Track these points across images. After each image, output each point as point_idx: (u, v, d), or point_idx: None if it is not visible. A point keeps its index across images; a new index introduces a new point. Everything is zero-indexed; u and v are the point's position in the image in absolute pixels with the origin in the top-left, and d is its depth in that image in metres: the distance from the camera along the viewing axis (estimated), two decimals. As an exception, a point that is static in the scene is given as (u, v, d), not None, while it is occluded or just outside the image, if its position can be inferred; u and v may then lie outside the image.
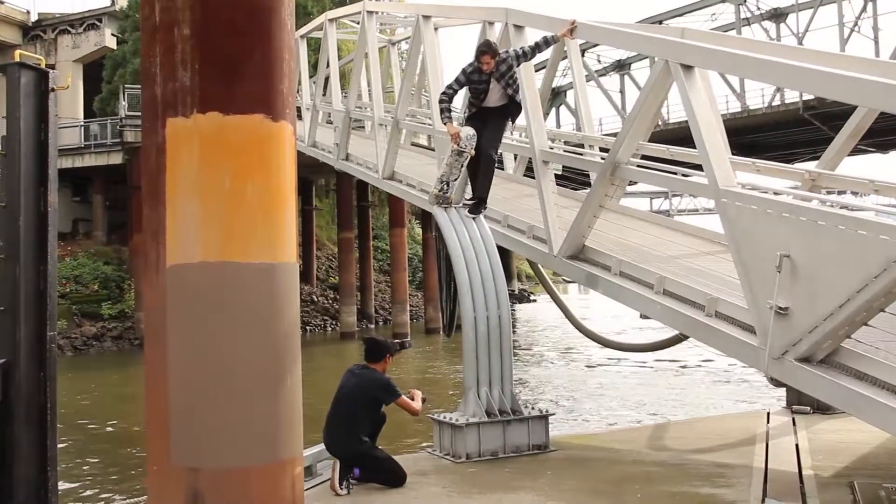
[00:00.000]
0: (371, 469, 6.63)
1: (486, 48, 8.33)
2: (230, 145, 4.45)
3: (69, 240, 35.45)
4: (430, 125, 13.43)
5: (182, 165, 4.47)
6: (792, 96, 36.43)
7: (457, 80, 8.56)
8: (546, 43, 8.77)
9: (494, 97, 8.61)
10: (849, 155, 8.29)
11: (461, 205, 8.68)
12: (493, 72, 8.39)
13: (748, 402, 15.84)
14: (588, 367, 22.81)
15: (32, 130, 6.09)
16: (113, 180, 35.29)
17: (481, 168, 8.60)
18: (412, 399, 6.88)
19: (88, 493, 11.53)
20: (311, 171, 34.45)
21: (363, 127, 19.52)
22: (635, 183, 10.15)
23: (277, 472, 4.56)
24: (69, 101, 38.06)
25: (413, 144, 19.66)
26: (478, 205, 8.57)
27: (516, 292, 60.34)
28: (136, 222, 29.40)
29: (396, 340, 7.71)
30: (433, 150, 14.51)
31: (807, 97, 34.53)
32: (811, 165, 8.47)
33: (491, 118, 8.66)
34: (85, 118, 38.19)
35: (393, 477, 6.63)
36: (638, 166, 7.96)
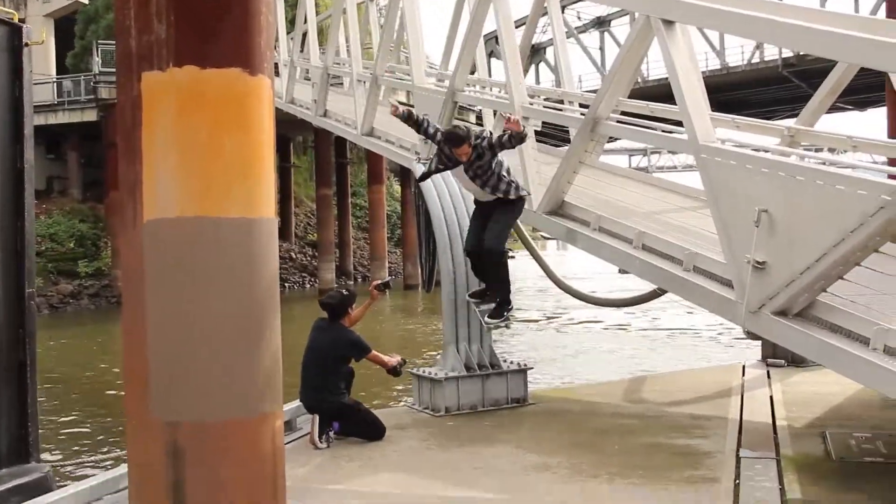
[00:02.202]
0: (350, 422, 6.67)
1: (459, 138, 6.67)
2: (207, 99, 4.39)
3: (44, 198, 35.04)
4: (408, 81, 13.32)
5: (158, 120, 4.40)
6: (771, 53, 36.44)
7: (431, 133, 7.03)
8: (510, 141, 6.73)
9: (472, 189, 7.07)
10: (827, 112, 8.31)
11: (477, 309, 7.41)
12: (470, 163, 6.77)
13: (724, 358, 16.04)
14: (567, 325, 22.96)
15: (6, 86, 6.01)
16: (88, 137, 34.84)
17: (488, 268, 7.13)
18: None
19: (69, 448, 11.54)
20: (288, 128, 34.16)
21: (341, 83, 19.33)
22: (615, 140, 10.16)
23: (257, 426, 4.57)
24: (41, 57, 37.26)
25: (391, 101, 19.49)
26: (500, 307, 7.14)
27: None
28: (112, 180, 29.04)
29: (378, 281, 7.69)
30: (412, 106, 14.41)
31: (786, 54, 34.58)
32: (790, 123, 8.46)
33: (493, 211, 7.06)
34: (57, 75, 37.54)
35: (372, 430, 6.68)
36: (618, 122, 7.94)
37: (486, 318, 7.12)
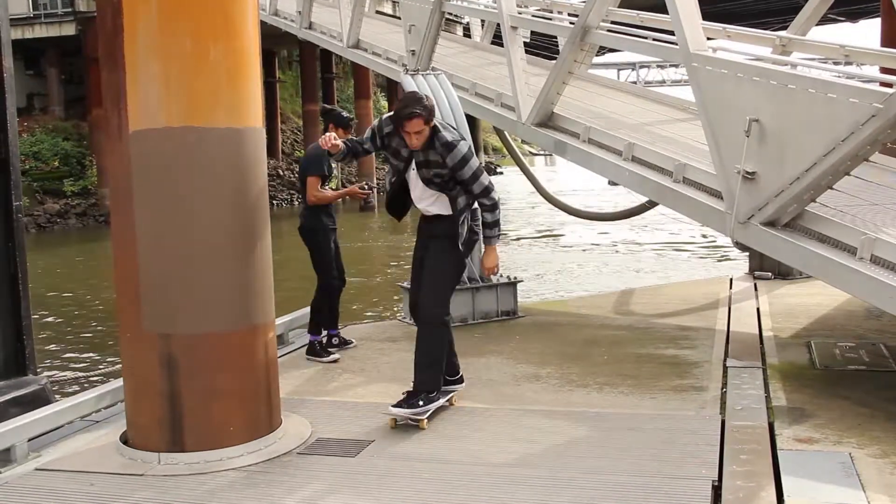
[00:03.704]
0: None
1: (415, 110, 4.75)
2: (191, 5, 4.31)
3: (25, 115, 34.48)
4: (395, -9, 13.05)
5: (140, 27, 4.33)
6: (764, -39, 35.82)
7: (372, 134, 5.12)
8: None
9: (421, 192, 5.08)
10: (820, 25, 8.22)
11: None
12: (419, 151, 4.91)
13: (712, 272, 16.19)
14: (556, 239, 23.05)
15: (-20, -7, 5.85)
16: (67, 53, 34.13)
17: (419, 339, 5.05)
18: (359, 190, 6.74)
19: (64, 360, 11.70)
20: (273, 42, 33.60)
21: (326, -6, 18.96)
22: (604, 52, 10.00)
23: (250, 337, 4.62)
24: (13, -34, 36.36)
25: (377, 12, 19.17)
26: (413, 396, 4.93)
27: (483, 165, 60.28)
28: (95, 96, 28.53)
29: (366, 185, 7.12)
30: (398, 17, 14.14)
31: (779, -38, 34.02)
32: (783, 33, 8.36)
33: (433, 239, 5.15)
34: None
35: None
36: (608, 31, 7.81)
37: (390, 409, 4.88)
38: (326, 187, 6.60)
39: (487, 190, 4.96)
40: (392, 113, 4.99)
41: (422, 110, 4.75)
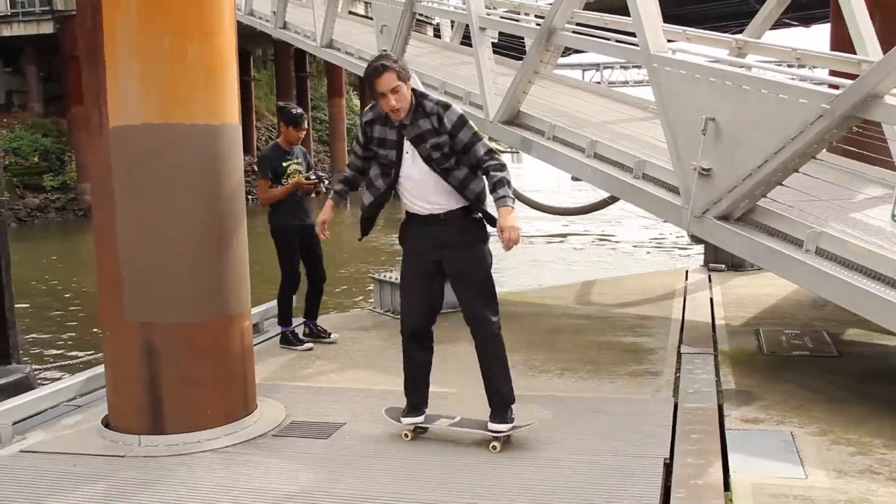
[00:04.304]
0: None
1: (383, 62, 4.05)
2: (169, 5, 4.33)
3: (4, 112, 34.08)
4: (367, -7, 13.06)
5: (120, 25, 4.35)
6: (724, -32, 36.15)
7: (356, 140, 4.47)
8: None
9: (422, 182, 4.20)
10: (775, 29, 8.35)
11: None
12: (408, 125, 4.13)
13: (669, 265, 16.37)
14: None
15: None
16: (46, 51, 33.64)
17: (488, 352, 4.34)
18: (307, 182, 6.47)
19: (49, 350, 11.64)
20: (248, 42, 33.36)
21: (300, -5, 18.90)
22: (569, 53, 10.08)
23: (226, 326, 4.66)
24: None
25: (350, 13, 19.12)
26: (504, 410, 4.29)
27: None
28: (74, 93, 28.21)
29: (312, 175, 6.58)
30: (371, 18, 14.13)
31: (737, -31, 34.36)
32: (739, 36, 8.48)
33: (448, 248, 4.26)
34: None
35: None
36: (573, 32, 7.89)
37: (497, 427, 4.24)
38: (286, 182, 6.45)
39: (492, 150, 4.15)
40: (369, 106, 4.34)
41: (391, 63, 4.02)
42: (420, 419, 4.47)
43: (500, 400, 4.29)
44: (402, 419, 4.49)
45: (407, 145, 4.17)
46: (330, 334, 6.79)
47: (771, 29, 9.24)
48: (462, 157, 4.15)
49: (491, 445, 4.22)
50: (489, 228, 4.30)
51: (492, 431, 4.24)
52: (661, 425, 4.51)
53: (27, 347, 11.19)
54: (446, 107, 4.13)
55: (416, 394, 4.48)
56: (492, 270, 4.37)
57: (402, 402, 4.55)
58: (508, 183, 4.11)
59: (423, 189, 4.21)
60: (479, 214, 4.29)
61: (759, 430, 4.40)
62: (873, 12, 7.43)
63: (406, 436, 4.44)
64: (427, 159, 4.14)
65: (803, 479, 3.74)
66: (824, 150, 6.27)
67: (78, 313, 14.41)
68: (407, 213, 4.34)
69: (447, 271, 4.33)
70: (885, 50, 5.30)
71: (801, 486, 3.67)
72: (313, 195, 6.58)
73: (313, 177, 6.43)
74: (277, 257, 6.57)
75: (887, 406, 4.70)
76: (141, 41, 4.33)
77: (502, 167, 4.14)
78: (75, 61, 25.57)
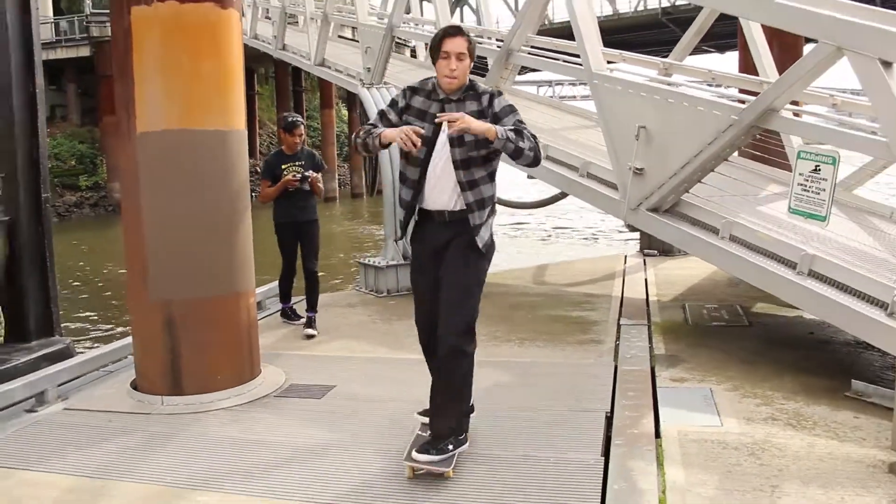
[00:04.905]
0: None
1: (459, 27, 3.42)
2: (186, 29, 4.32)
3: (48, 123, 33.29)
4: (353, 18, 12.97)
5: (146, 47, 4.33)
6: (653, 3, 36.35)
7: (392, 104, 3.48)
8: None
9: (445, 174, 3.33)
10: (694, 54, 8.45)
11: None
12: (454, 101, 3.32)
13: (610, 251, 16.46)
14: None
15: (18, 22, 5.86)
16: (83, 70, 33.27)
17: (444, 371, 3.38)
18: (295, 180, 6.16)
19: (86, 324, 11.55)
20: (253, 61, 32.86)
21: (297, 22, 18.77)
22: (525, 72, 10.10)
23: (234, 302, 4.65)
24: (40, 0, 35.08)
25: (340, 37, 19.01)
26: (440, 440, 3.36)
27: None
28: (106, 106, 27.89)
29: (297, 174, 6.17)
30: (357, 41, 14.05)
31: (665, 3, 34.60)
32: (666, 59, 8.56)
33: (449, 247, 3.39)
34: (54, 16, 35.45)
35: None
36: (528, 53, 7.92)
37: (414, 455, 3.33)
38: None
39: (532, 135, 3.28)
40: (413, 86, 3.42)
41: (467, 32, 3.32)
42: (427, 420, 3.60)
43: (436, 427, 3.37)
44: (416, 413, 3.76)
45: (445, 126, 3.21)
46: (301, 318, 6.45)
47: (691, 54, 9.34)
48: (492, 159, 3.35)
49: (407, 468, 3.33)
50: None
51: (410, 459, 3.33)
52: (604, 385, 4.55)
53: (65, 322, 11.10)
54: (499, 94, 3.38)
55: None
56: (480, 287, 3.40)
57: (386, 367, 4.51)
58: (526, 139, 3.22)
59: (443, 183, 3.33)
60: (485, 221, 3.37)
61: (684, 388, 4.47)
62: (772, 43, 7.56)
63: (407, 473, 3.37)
64: (459, 140, 3.22)
65: (719, 427, 3.82)
66: (735, 154, 6.37)
67: (109, 294, 14.26)
68: (420, 210, 3.43)
69: (441, 271, 3.39)
70: (781, 73, 5.40)
71: (717, 432, 3.75)
72: (307, 187, 6.26)
73: (298, 175, 6.16)
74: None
75: (787, 366, 4.80)
76: (163, 60, 4.31)
77: (530, 136, 3.25)
78: (108, 79, 25.59)
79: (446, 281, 3.35)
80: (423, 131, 3.19)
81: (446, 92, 3.33)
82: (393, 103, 3.46)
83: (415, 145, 3.14)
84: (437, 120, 3.21)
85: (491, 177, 3.40)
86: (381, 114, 3.46)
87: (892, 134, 4.29)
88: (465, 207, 3.34)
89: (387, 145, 3.30)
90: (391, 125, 3.38)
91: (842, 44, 4.42)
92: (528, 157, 3.25)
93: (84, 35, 32.45)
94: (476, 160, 3.30)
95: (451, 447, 3.36)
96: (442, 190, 3.35)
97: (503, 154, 3.33)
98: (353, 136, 3.30)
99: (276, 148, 6.48)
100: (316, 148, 44.03)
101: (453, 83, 3.30)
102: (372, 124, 3.42)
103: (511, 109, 3.31)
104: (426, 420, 3.59)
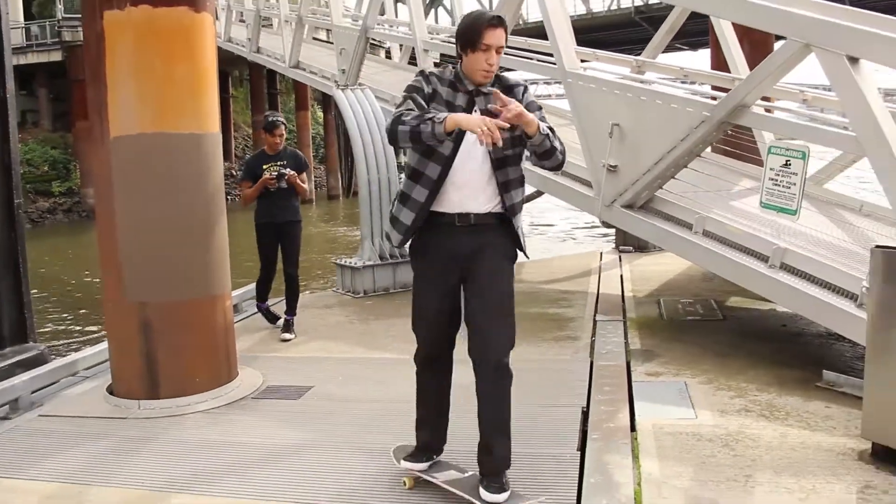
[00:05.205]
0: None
1: (501, 19, 2.95)
2: (160, 33, 4.30)
3: (19, 128, 32.83)
4: (328, 20, 12.96)
5: (119, 51, 4.31)
6: (626, 2, 36.62)
7: (417, 90, 2.98)
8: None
9: (477, 176, 2.94)
10: (667, 52, 8.55)
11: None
12: (484, 93, 2.95)
13: (586, 248, 16.54)
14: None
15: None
16: (54, 75, 32.82)
17: (489, 396, 3.05)
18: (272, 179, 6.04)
19: (59, 327, 11.41)
20: (227, 64, 32.74)
21: (271, 24, 18.70)
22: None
23: (210, 305, 4.63)
24: (10, 4, 34.51)
25: (314, 38, 18.97)
26: (497, 475, 2.96)
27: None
28: (78, 111, 27.60)
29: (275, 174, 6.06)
30: (332, 42, 14.04)
31: (638, 2, 34.87)
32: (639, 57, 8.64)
33: (476, 256, 2.99)
34: (25, 21, 34.94)
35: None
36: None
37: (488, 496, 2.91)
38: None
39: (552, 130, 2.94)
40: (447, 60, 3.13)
41: (505, 21, 2.98)
42: (422, 466, 3.21)
43: (494, 461, 2.99)
44: (402, 462, 3.24)
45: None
46: (279, 317, 6.40)
47: (664, 52, 9.44)
48: (521, 158, 3.02)
49: (408, 480, 3.16)
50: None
51: (484, 495, 2.91)
52: (580, 380, 4.57)
53: (39, 328, 10.96)
54: (527, 88, 3.07)
55: (426, 428, 3.25)
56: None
57: (363, 367, 4.46)
58: (557, 138, 2.93)
59: (475, 178, 2.95)
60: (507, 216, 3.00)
61: (660, 382, 4.51)
62: (743, 41, 7.65)
63: (404, 483, 3.21)
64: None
65: (693, 419, 3.87)
66: (708, 150, 6.44)
67: (83, 299, 14.10)
68: (429, 213, 2.98)
69: (468, 288, 3.03)
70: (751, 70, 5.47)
71: (692, 424, 3.79)
72: (284, 185, 6.11)
73: (275, 173, 6.03)
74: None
75: (760, 359, 4.86)
76: (137, 64, 4.28)
77: (558, 140, 2.93)
78: (80, 83, 24.96)
79: (485, 294, 2.97)
80: (506, 125, 2.72)
81: (477, 85, 2.98)
82: (416, 89, 2.99)
83: (494, 142, 2.63)
84: (489, 106, 2.83)
85: (521, 181, 3.05)
86: (412, 98, 2.93)
87: (860, 129, 4.37)
88: (503, 211, 2.97)
89: (451, 133, 2.76)
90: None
91: (810, 41, 4.50)
92: (557, 160, 2.95)
93: (56, 40, 32.05)
94: (511, 159, 2.96)
95: (507, 480, 2.97)
96: (473, 190, 2.94)
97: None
98: (390, 124, 2.83)
99: (250, 151, 6.45)
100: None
101: (489, 77, 2.96)
102: (412, 109, 2.87)
103: (539, 106, 3.01)
104: (413, 466, 3.19)
